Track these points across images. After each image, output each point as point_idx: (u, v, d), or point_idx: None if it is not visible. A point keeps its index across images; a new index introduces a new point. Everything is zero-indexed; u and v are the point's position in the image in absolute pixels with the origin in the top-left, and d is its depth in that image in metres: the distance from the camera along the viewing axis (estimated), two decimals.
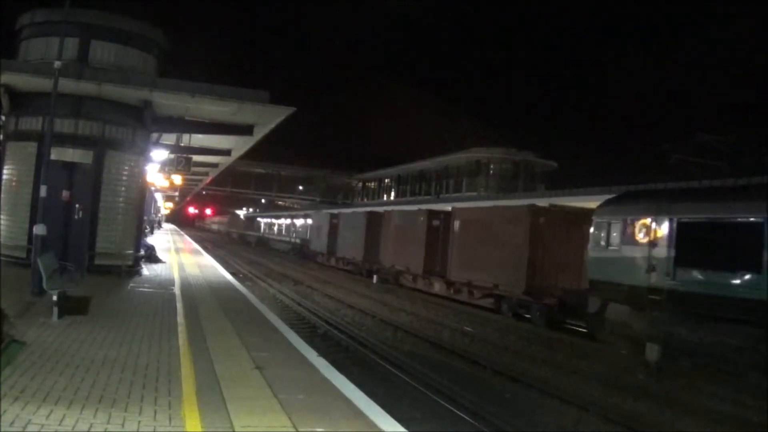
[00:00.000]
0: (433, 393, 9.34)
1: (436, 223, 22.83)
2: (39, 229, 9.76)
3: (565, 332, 15.53)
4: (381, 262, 27.51)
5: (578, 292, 15.36)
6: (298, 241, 50.41)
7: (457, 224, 21.07)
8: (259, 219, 77.01)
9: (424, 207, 26.50)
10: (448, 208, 23.70)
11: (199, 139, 18.27)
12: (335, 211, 39.25)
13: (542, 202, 19.29)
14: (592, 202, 16.50)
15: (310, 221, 45.25)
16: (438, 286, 22.04)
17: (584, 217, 15.64)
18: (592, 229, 14.20)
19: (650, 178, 18.53)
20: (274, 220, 66.85)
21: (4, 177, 13.73)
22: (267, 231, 69.06)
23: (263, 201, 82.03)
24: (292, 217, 57.09)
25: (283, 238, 58.43)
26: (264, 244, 63.78)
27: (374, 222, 29.10)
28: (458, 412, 8.51)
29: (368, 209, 32.90)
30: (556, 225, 17.19)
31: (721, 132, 22.15)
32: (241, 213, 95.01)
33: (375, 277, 27.33)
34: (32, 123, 13.33)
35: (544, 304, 16.26)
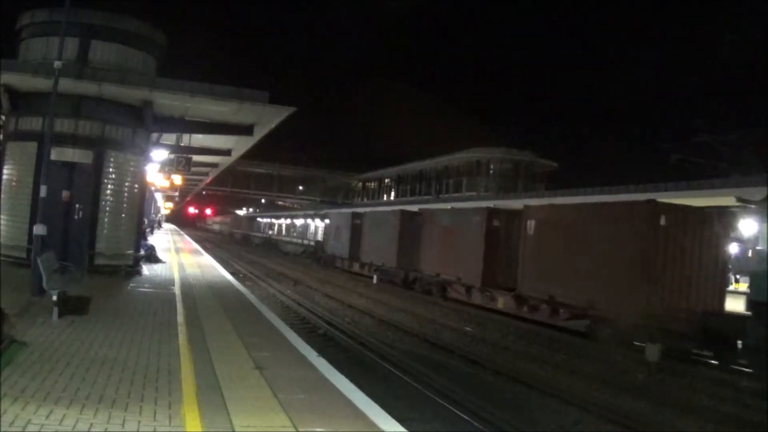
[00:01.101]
0: None
1: (496, 223, 18.99)
2: (39, 229, 9.76)
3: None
4: (421, 269, 23.25)
5: (729, 316, 12.53)
6: (311, 243, 46.26)
7: (531, 225, 16.90)
8: (265, 219, 72.18)
9: (482, 205, 21.90)
10: (516, 205, 19.52)
11: (199, 139, 18.27)
12: (359, 210, 34.81)
13: (640, 197, 15.29)
14: (712, 198, 14.16)
15: (326, 221, 40.47)
16: (504, 302, 17.79)
17: (712, 217, 13.35)
18: (755, 233, 11.63)
19: (651, 178, 18.46)
20: (283, 221, 62.16)
21: (4, 177, 13.73)
22: (275, 232, 64.81)
23: (263, 201, 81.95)
24: (305, 216, 51.74)
25: (294, 240, 53.81)
26: (272, 246, 59.21)
27: (410, 222, 25.15)
28: None
29: (401, 207, 28.35)
30: (682, 226, 13.37)
31: (721, 132, 22.17)
32: (245, 212, 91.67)
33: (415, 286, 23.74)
34: (32, 123, 13.33)
35: (669, 331, 12.14)
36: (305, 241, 49.39)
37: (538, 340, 14.35)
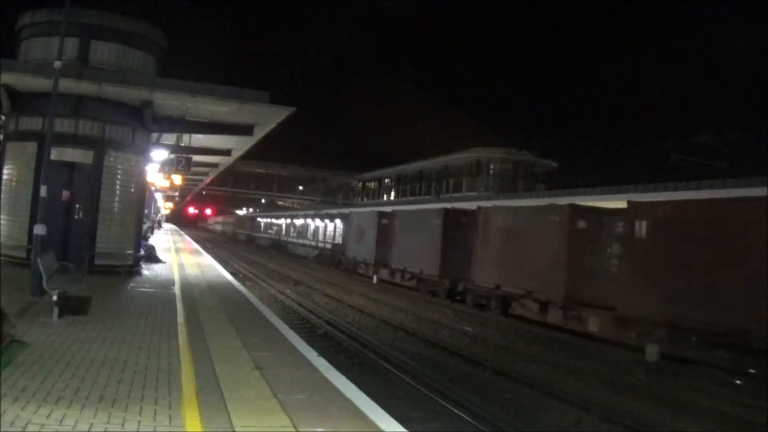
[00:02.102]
0: None
1: (582, 225, 15.48)
2: (39, 229, 9.76)
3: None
4: (473, 279, 19.45)
5: None
6: (327, 246, 42.22)
7: (642, 226, 13.39)
8: (273, 219, 66.57)
9: (562, 201, 17.89)
10: (614, 203, 15.96)
11: (199, 139, 18.26)
12: (387, 209, 30.80)
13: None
14: None
15: (345, 221, 36.21)
16: (599, 324, 14.29)
17: None
18: None
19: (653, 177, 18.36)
20: (293, 220, 56.79)
21: (4, 177, 13.74)
22: (284, 233, 59.36)
23: (263, 201, 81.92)
24: (320, 216, 46.80)
25: (307, 242, 49.10)
26: (280, 249, 55.17)
27: (456, 223, 21.63)
28: None
29: (444, 205, 25.05)
30: None
31: (721, 132, 22.17)
32: (250, 212, 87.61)
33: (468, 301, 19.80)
34: (32, 123, 13.33)
35: None
36: (320, 244, 45.17)
37: (537, 340, 14.36)
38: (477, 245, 19.47)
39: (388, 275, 27.11)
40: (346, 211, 38.73)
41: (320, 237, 46.04)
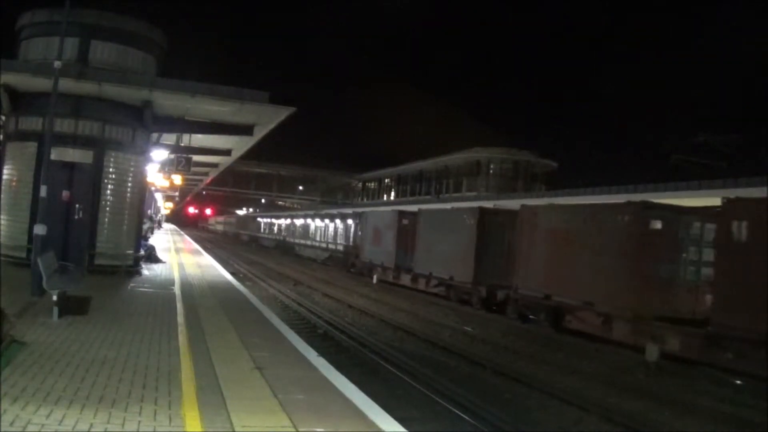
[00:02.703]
0: None
1: (656, 225, 13.51)
2: (39, 229, 9.76)
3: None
4: (516, 287, 16.95)
5: None
6: (339, 248, 39.76)
7: (740, 228, 11.48)
8: (279, 219, 63.77)
9: (630, 198, 15.20)
10: (687, 198, 14.47)
11: (199, 139, 18.27)
12: (411, 208, 27.87)
13: None
14: None
15: (359, 222, 33.59)
16: (681, 343, 12.16)
17: None
18: None
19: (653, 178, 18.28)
20: (301, 221, 53.59)
21: (4, 177, 13.74)
22: (291, 234, 56.49)
23: (263, 201, 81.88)
24: (330, 216, 44.09)
25: (316, 244, 46.58)
26: (286, 250, 52.28)
27: (493, 223, 19.42)
28: None
29: (479, 204, 22.59)
30: None
31: (721, 132, 22.16)
32: (253, 211, 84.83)
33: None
34: (32, 123, 13.34)
35: None
36: (330, 246, 42.56)
37: (537, 340, 14.35)
38: (520, 248, 17.00)
39: (410, 281, 24.38)
40: (360, 210, 35.86)
41: (331, 238, 43.32)
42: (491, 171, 39.34)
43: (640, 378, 11.07)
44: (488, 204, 22.19)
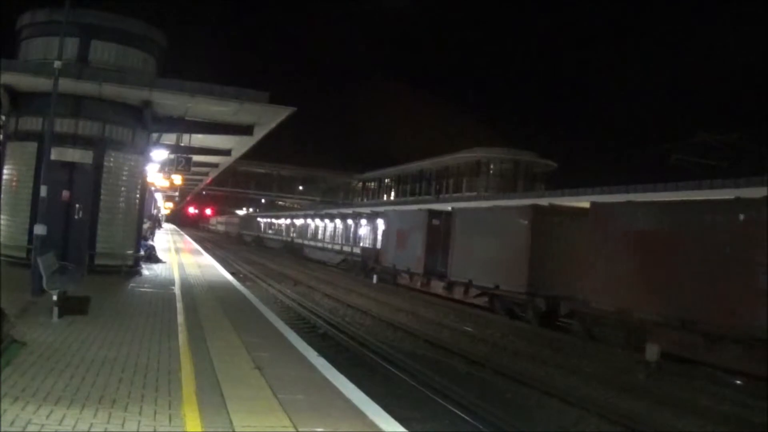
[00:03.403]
0: None
1: None
2: (39, 229, 9.76)
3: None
4: (588, 300, 14.35)
5: None
6: (355, 251, 35.99)
7: None
8: (286, 219, 59.74)
9: (746, 194, 12.50)
10: None
11: (199, 139, 18.27)
12: (443, 206, 25.28)
13: None
14: None
15: (380, 222, 30.83)
16: None
17: None
18: None
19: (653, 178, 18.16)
20: (311, 221, 49.92)
21: (4, 177, 13.74)
22: (300, 235, 53.09)
23: (263, 201, 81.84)
24: (344, 216, 40.71)
25: (329, 246, 42.99)
26: (295, 253, 48.93)
27: (550, 223, 16.90)
28: None
29: (533, 201, 19.42)
30: None
31: (721, 132, 22.14)
32: (256, 210, 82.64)
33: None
34: (32, 123, 13.33)
35: None
36: (345, 248, 38.96)
37: (537, 340, 14.34)
38: (591, 254, 14.47)
39: (443, 289, 21.65)
40: (381, 209, 32.72)
41: (346, 240, 40.07)
42: (491, 171, 39.37)
43: (640, 378, 11.08)
44: (543, 201, 19.14)
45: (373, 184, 58.16)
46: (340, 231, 42.30)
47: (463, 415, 8.40)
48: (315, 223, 49.20)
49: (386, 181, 54.67)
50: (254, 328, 9.27)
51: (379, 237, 31.18)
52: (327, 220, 45.44)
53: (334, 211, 43.92)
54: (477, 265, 19.36)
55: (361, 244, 36.28)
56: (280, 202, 77.63)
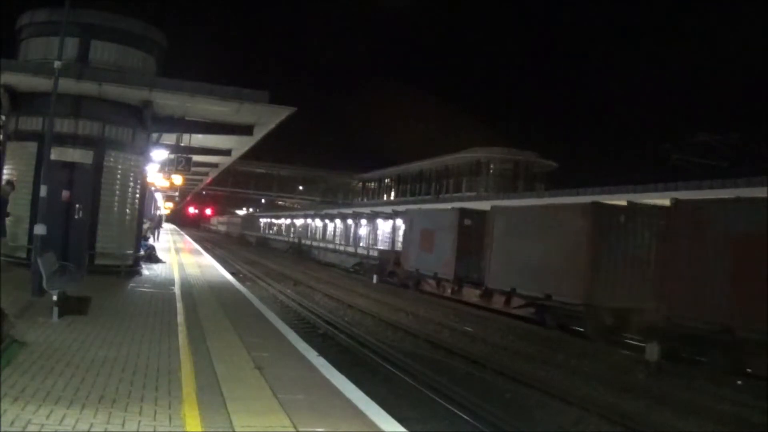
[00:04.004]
0: None
1: None
2: (39, 229, 9.76)
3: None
4: (673, 314, 12.22)
5: None
6: (372, 254, 33.60)
7: None
8: (294, 219, 56.85)
9: None
10: None
11: (199, 139, 18.26)
12: (478, 205, 22.91)
13: None
14: None
15: (399, 222, 29.21)
16: None
17: None
18: None
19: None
20: (321, 221, 47.37)
21: (4, 177, 13.73)
22: (308, 236, 50.82)
23: (263, 201, 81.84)
24: (360, 216, 38.02)
25: (341, 248, 40.70)
26: (302, 254, 46.08)
27: (613, 223, 14.67)
28: None
29: (591, 199, 16.77)
30: None
31: (721, 132, 22.15)
32: (258, 210, 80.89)
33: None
34: (32, 123, 13.32)
35: None
36: (360, 250, 36.40)
37: (537, 340, 14.35)
38: (676, 260, 12.46)
39: (478, 297, 19.78)
40: (401, 208, 29.93)
41: (361, 242, 37.95)
42: (491, 171, 39.39)
43: (640, 378, 11.08)
44: (605, 199, 16.77)
45: (373, 184, 58.18)
46: (355, 232, 40.16)
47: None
48: (325, 224, 46.55)
49: (386, 181, 54.68)
50: (254, 328, 9.26)
51: (400, 238, 29.18)
52: (339, 220, 42.91)
53: (348, 211, 41.34)
54: (522, 270, 16.96)
55: (379, 247, 34.23)
56: (280, 202, 77.64)
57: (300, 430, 4.83)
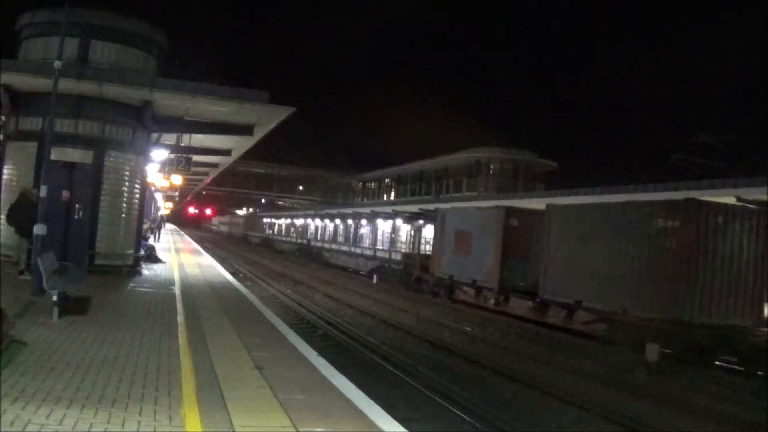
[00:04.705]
0: None
1: None
2: (39, 229, 9.76)
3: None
4: None
5: None
6: (394, 257, 30.52)
7: None
8: (301, 219, 53.03)
9: None
10: None
11: (199, 139, 18.26)
12: (528, 203, 21.24)
13: None
14: None
15: (427, 223, 26.69)
16: None
17: None
18: None
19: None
20: (333, 221, 43.91)
21: (4, 177, 13.73)
22: (319, 237, 47.18)
23: (263, 201, 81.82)
24: (381, 216, 34.75)
25: (358, 251, 37.15)
26: (312, 257, 43.26)
27: (712, 225, 12.47)
28: None
29: (683, 194, 14.26)
30: None
31: (721, 132, 22.14)
32: (261, 210, 78.27)
33: None
34: (32, 123, 13.33)
35: None
36: (381, 254, 33.27)
37: (537, 340, 14.34)
38: None
39: (531, 311, 17.56)
40: (431, 207, 26.81)
41: (381, 244, 34.79)
42: (491, 171, 39.39)
43: (640, 378, 11.08)
44: (699, 194, 13.95)
45: (373, 184, 58.18)
46: (374, 233, 37.05)
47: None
48: (338, 224, 43.13)
49: (386, 181, 54.68)
50: (254, 328, 9.26)
51: (427, 240, 26.59)
52: (355, 220, 39.50)
53: (366, 210, 37.83)
54: (589, 280, 14.43)
55: (403, 250, 31.26)
56: (280, 202, 77.63)
57: (300, 430, 4.83)
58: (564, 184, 32.70)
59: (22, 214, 11.26)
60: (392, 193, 52.07)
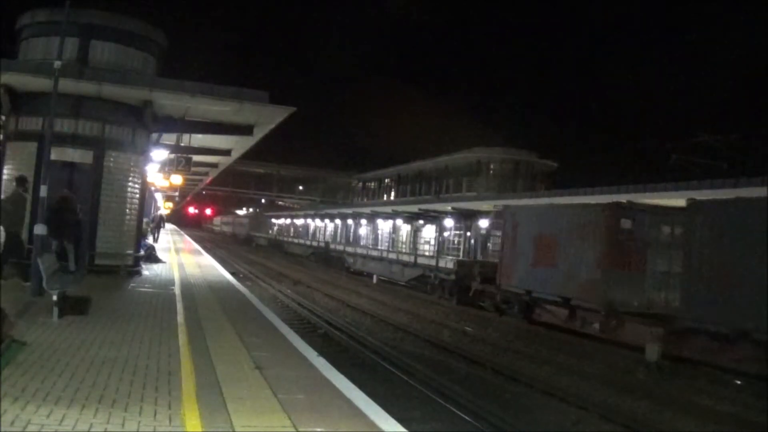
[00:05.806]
0: None
1: None
2: (39, 229, 9.75)
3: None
4: None
5: None
6: (443, 265, 24.38)
7: None
8: (315, 219, 48.06)
9: None
10: None
11: (199, 139, 18.26)
12: (651, 197, 16.79)
13: None
14: None
15: (482, 223, 23.78)
16: None
17: None
18: None
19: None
20: (355, 221, 38.10)
21: (4, 177, 13.72)
22: (337, 239, 41.87)
23: (263, 201, 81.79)
24: (420, 215, 29.55)
25: (394, 257, 30.42)
26: (329, 262, 37.72)
27: None
28: None
29: None
30: None
31: (721, 132, 22.15)
32: (262, 210, 75.84)
33: None
34: (32, 123, 13.31)
35: None
36: (423, 261, 27.00)
37: (537, 340, 14.34)
38: None
39: (664, 339, 12.42)
40: (499, 203, 22.29)
41: (422, 249, 30.15)
42: (491, 171, 39.41)
43: (640, 378, 11.08)
44: None
45: (373, 184, 58.15)
46: (414, 237, 31.96)
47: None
48: (366, 225, 37.42)
49: (386, 181, 54.67)
50: (254, 328, 9.25)
51: (489, 245, 23.17)
52: (389, 221, 33.60)
53: (403, 209, 31.73)
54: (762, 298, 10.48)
55: (453, 256, 26.57)
56: (280, 202, 77.60)
57: (300, 430, 4.83)
58: (564, 184, 32.66)
59: (60, 218, 11.18)
60: (392, 193, 52.06)
